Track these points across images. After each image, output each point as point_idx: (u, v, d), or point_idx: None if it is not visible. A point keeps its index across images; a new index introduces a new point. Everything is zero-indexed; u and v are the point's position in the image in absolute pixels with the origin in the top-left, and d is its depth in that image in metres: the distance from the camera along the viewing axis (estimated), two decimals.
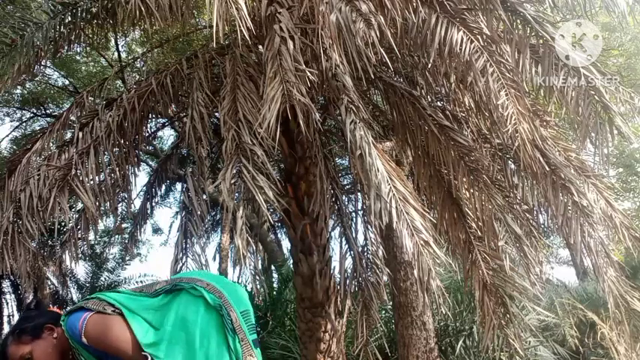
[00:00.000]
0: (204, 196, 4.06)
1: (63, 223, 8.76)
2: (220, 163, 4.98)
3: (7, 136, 12.53)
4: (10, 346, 1.68)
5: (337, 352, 4.58)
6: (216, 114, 4.32)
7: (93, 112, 4.50)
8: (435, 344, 5.86)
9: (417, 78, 4.89)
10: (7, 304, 12.73)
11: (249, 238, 3.13)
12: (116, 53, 10.23)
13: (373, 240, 5.15)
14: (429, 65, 3.98)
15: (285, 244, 14.35)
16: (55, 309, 1.83)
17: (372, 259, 5.06)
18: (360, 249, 4.98)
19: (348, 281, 4.84)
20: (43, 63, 5.74)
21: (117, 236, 12.35)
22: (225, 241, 10.93)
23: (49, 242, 9.11)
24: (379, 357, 6.15)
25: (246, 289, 4.56)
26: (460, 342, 6.50)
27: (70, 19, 4.66)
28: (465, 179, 4.19)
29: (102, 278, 12.83)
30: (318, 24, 3.09)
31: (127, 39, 10.29)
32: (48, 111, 12.12)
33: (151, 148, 11.85)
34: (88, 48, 9.59)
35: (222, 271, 10.63)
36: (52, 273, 11.82)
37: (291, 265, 5.98)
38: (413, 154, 4.80)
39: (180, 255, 4.06)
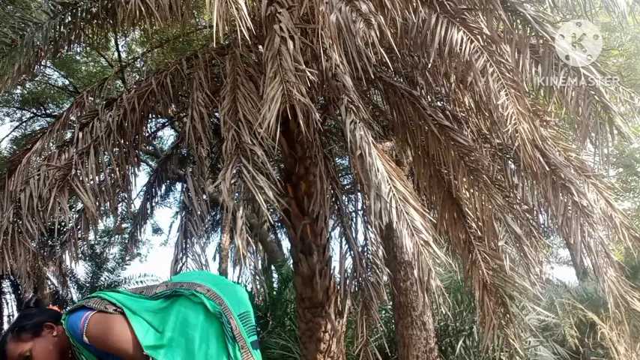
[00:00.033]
0: (204, 196, 4.06)
1: (63, 223, 8.76)
2: (220, 163, 4.98)
3: (7, 136, 12.57)
4: (10, 343, 1.66)
5: (337, 352, 4.58)
6: (216, 114, 4.32)
7: (93, 112, 4.50)
8: (435, 344, 5.86)
9: (417, 78, 4.89)
10: (7, 304, 12.70)
11: (249, 238, 3.13)
12: (116, 53, 10.24)
13: (373, 240, 5.15)
14: (429, 65, 3.98)
15: (285, 244, 14.37)
16: (55, 308, 1.82)
17: (372, 259, 5.06)
18: (360, 249, 4.98)
19: (348, 281, 4.84)
20: (43, 63, 5.73)
21: (117, 236, 12.36)
22: (225, 241, 10.93)
23: (49, 242, 9.10)
24: (379, 357, 6.15)
25: (246, 289, 4.58)
26: (460, 342, 6.50)
27: (70, 19, 4.66)
28: (465, 179, 4.19)
29: (102, 278, 12.82)
30: (318, 24, 3.09)
31: (127, 39, 10.30)
32: (48, 111, 12.12)
33: (151, 148, 11.85)
34: (88, 48, 9.60)
35: (222, 271, 10.63)
36: (52, 273, 11.80)
37: (291, 265, 5.98)
38: (413, 154, 4.80)
39: (181, 255, 4.07)
